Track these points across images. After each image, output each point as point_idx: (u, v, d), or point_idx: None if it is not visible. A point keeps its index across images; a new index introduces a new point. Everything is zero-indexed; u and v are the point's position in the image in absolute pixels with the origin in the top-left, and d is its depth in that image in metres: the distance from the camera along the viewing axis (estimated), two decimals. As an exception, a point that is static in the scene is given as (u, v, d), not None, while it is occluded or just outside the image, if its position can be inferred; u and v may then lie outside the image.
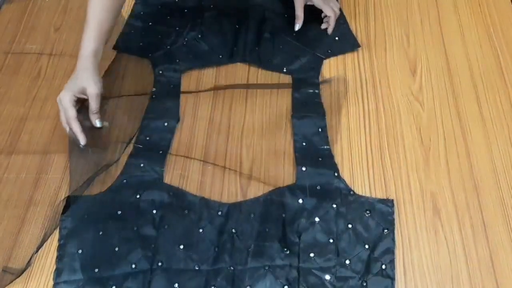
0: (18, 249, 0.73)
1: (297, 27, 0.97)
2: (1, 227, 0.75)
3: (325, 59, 0.95)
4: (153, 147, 0.83)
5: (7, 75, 0.93)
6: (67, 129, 0.81)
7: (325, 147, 0.82)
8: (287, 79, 0.93)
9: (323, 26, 0.99)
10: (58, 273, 0.71)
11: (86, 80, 0.80)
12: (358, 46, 0.96)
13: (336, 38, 0.98)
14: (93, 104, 0.81)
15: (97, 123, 0.82)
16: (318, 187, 0.78)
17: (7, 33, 0.99)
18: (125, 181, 0.79)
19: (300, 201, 0.76)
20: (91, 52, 0.81)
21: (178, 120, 0.87)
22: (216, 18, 0.99)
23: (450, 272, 0.71)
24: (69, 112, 0.79)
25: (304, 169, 0.80)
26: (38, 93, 0.90)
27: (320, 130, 0.84)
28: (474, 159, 0.82)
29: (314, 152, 0.82)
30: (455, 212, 0.76)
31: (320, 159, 0.81)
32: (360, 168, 0.81)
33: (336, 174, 0.79)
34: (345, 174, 0.80)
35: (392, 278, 0.70)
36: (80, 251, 0.72)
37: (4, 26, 1.00)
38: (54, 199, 0.77)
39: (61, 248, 0.73)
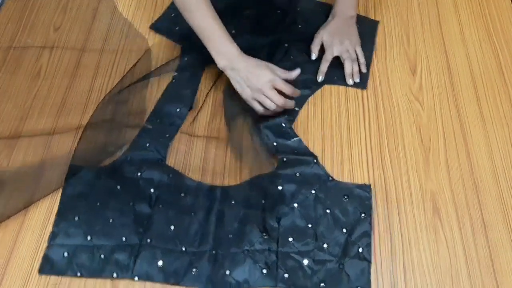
0: (19, 247, 0.73)
1: (320, 79, 0.91)
2: (3, 225, 0.75)
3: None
4: (162, 130, 0.84)
5: (7, 74, 0.93)
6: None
7: (294, 139, 0.83)
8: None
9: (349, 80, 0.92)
10: (53, 236, 0.73)
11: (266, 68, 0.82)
12: None
13: None
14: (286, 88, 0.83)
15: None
16: (298, 174, 0.78)
17: (7, 32, 0.99)
18: (129, 158, 0.80)
19: (280, 187, 0.77)
20: (238, 50, 0.83)
21: (190, 108, 0.88)
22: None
23: (450, 272, 0.71)
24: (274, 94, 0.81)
25: (284, 159, 0.80)
26: (38, 92, 0.90)
27: (283, 125, 0.84)
28: (474, 159, 0.82)
29: (288, 146, 0.82)
30: (455, 212, 0.76)
31: (295, 151, 0.81)
32: (360, 168, 0.81)
33: (315, 161, 0.80)
34: (345, 174, 0.80)
35: (369, 261, 0.71)
36: (76, 218, 0.74)
37: (4, 25, 1.00)
38: (54, 198, 0.77)
39: (59, 213, 0.75)
